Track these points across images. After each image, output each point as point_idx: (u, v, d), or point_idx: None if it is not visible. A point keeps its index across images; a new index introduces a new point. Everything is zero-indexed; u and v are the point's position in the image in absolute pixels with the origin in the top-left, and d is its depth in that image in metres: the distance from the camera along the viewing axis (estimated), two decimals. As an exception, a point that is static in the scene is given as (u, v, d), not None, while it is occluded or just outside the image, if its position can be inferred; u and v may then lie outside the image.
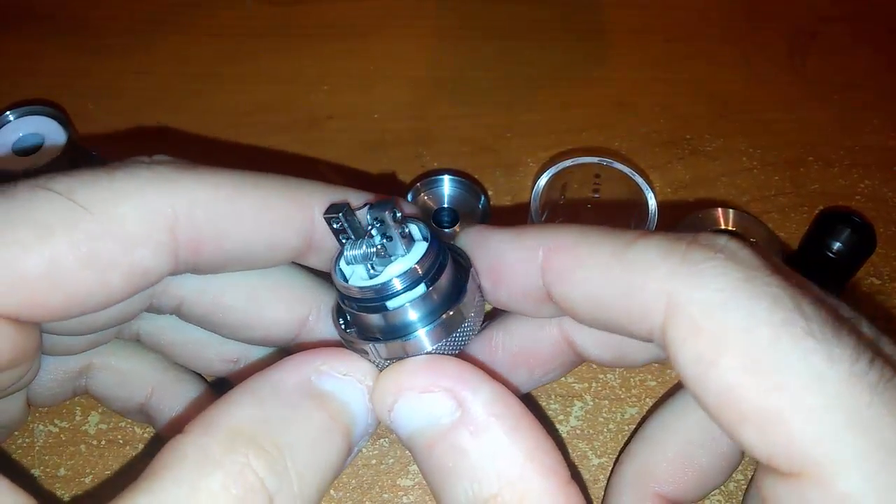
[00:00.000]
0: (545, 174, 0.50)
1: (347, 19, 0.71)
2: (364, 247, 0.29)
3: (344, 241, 0.30)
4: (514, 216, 0.57)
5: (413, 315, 0.29)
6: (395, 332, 0.29)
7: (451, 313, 0.29)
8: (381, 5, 0.72)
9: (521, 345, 0.35)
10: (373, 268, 0.29)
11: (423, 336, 0.29)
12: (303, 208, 0.33)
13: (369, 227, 0.29)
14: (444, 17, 0.72)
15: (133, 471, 0.44)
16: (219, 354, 0.40)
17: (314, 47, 0.68)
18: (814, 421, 0.22)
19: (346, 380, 0.29)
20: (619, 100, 0.65)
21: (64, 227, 0.27)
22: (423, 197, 0.56)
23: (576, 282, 0.28)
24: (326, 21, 0.70)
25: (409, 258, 0.29)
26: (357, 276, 0.30)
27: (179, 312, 0.36)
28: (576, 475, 0.28)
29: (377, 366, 0.30)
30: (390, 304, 0.29)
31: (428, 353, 0.29)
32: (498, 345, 0.35)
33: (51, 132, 0.55)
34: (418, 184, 0.55)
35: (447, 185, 0.56)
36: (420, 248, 0.30)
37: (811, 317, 0.23)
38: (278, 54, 0.68)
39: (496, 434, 0.27)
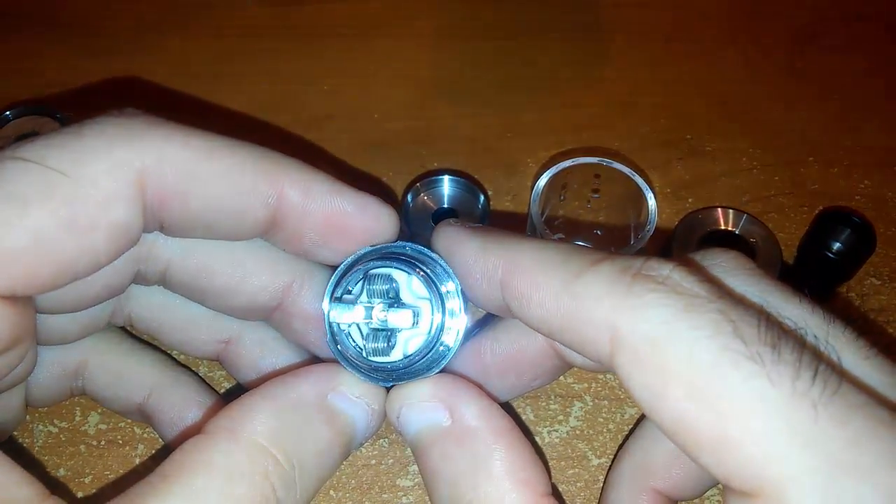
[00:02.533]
0: (545, 174, 0.50)
1: (347, 19, 0.71)
2: (380, 341, 0.32)
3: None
4: (513, 217, 0.57)
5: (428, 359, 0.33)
6: (413, 374, 0.33)
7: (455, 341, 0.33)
8: (381, 5, 0.72)
9: (508, 351, 0.36)
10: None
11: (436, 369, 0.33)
12: (272, 179, 0.32)
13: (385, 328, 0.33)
14: (444, 17, 0.72)
15: (135, 472, 0.44)
16: (210, 334, 0.40)
17: (314, 47, 0.68)
18: (761, 443, 0.22)
19: (358, 402, 0.32)
20: (619, 100, 0.65)
21: (41, 195, 0.27)
22: (423, 197, 0.56)
23: (531, 306, 0.29)
24: (326, 21, 0.70)
25: (420, 326, 0.33)
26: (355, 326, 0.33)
27: (165, 280, 0.36)
28: (556, 494, 0.30)
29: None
30: (413, 367, 0.32)
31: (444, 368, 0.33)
32: (486, 351, 0.36)
33: (50, 131, 0.55)
34: (418, 184, 0.55)
35: (447, 185, 0.55)
36: (424, 309, 0.33)
37: (751, 340, 0.23)
38: (278, 54, 0.68)
39: (479, 445, 0.30)
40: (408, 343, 0.33)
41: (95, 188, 0.28)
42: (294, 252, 0.35)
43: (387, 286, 0.32)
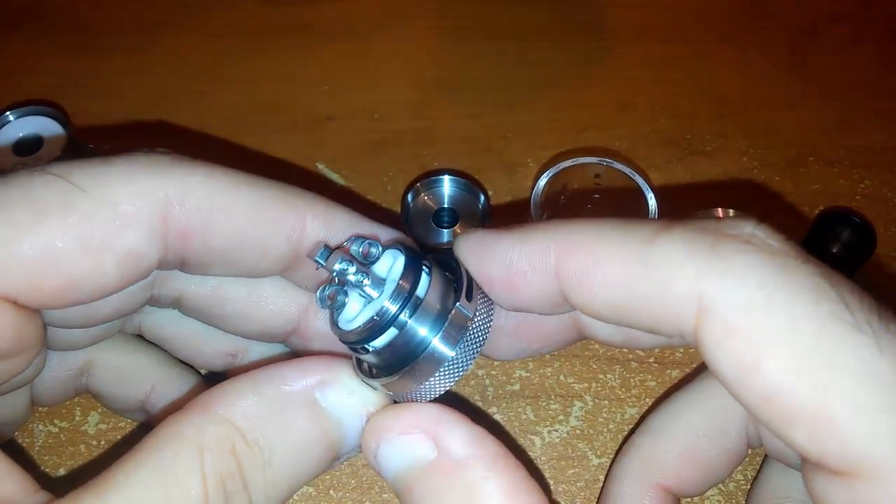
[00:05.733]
0: (545, 174, 0.50)
1: (347, 19, 0.71)
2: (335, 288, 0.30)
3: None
4: (514, 216, 0.57)
5: (423, 331, 0.29)
6: (411, 353, 0.29)
7: (454, 314, 0.29)
8: (381, 5, 0.72)
9: (526, 316, 0.34)
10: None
11: (438, 345, 0.29)
12: (294, 212, 0.32)
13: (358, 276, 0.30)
14: (444, 17, 0.72)
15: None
16: (217, 349, 0.40)
17: (314, 47, 0.68)
18: (867, 420, 0.21)
19: (349, 399, 0.30)
20: (619, 100, 0.65)
21: (59, 207, 0.28)
22: (423, 197, 0.56)
23: (595, 287, 0.27)
24: (326, 21, 0.70)
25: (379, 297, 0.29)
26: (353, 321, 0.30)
27: (180, 305, 0.36)
28: None
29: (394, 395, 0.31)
30: (381, 337, 0.29)
31: (452, 358, 0.29)
32: (500, 313, 0.33)
33: (51, 132, 0.55)
34: (418, 184, 0.55)
35: (447, 185, 0.56)
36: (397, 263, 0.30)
37: (855, 308, 0.22)
38: (278, 54, 0.68)
39: (472, 475, 0.27)
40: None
41: (114, 210, 0.28)
42: (314, 290, 0.35)
43: (366, 244, 0.30)
